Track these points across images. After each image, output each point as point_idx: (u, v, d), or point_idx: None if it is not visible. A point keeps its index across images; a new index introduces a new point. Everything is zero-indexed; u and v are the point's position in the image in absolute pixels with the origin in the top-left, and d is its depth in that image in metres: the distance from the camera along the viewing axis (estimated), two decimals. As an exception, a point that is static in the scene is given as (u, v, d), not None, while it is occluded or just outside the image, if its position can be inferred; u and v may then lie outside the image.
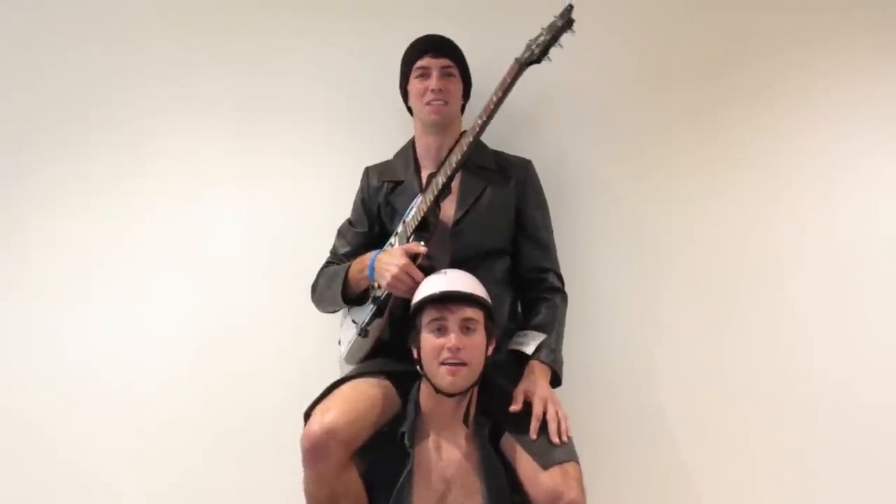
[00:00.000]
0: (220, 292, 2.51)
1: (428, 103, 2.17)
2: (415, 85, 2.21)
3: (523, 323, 2.17)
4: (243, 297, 2.50)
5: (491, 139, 2.29)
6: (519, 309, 2.22)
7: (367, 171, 2.33)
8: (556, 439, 1.87)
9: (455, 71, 2.20)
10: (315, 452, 1.85)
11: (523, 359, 2.06)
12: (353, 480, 1.93)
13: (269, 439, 2.38)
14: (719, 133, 2.46)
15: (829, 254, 2.41)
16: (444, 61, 2.18)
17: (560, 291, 2.20)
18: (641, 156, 2.47)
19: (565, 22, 1.97)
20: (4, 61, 2.64)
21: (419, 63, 2.20)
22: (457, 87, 2.21)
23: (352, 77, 2.52)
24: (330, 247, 2.32)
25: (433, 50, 2.19)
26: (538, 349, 2.06)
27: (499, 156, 2.27)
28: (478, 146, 2.22)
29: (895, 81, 2.46)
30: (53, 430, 2.50)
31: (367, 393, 1.97)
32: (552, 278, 2.20)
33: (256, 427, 2.41)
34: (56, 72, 2.62)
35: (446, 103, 2.17)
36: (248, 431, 2.42)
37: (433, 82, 2.16)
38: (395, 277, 1.98)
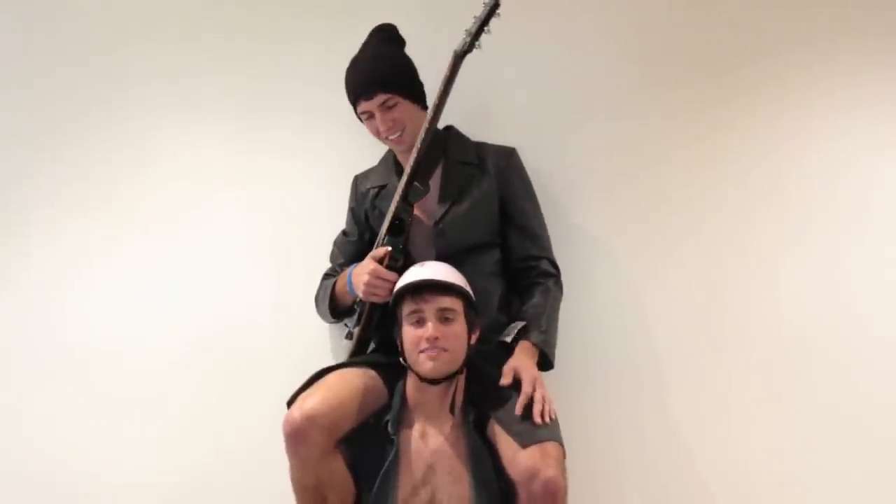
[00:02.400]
0: (219, 291, 2.51)
1: (386, 138, 2.16)
2: (367, 125, 2.18)
3: (516, 313, 2.15)
4: (243, 295, 2.50)
5: (489, 135, 2.30)
6: (510, 300, 2.19)
7: (356, 179, 2.35)
8: (538, 420, 1.85)
9: (395, 99, 2.10)
10: (296, 437, 1.85)
11: (510, 348, 2.04)
12: (339, 469, 1.92)
13: (269, 436, 2.32)
14: (719, 131, 2.44)
15: (829, 253, 2.38)
16: (380, 98, 2.09)
17: (553, 276, 2.18)
18: (642, 154, 2.45)
19: (491, 7, 1.96)
20: (4, 61, 2.68)
21: (359, 109, 2.16)
22: (404, 111, 2.12)
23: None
24: (329, 248, 2.34)
25: (363, 94, 2.11)
26: (525, 331, 2.05)
27: (480, 147, 2.24)
28: (459, 140, 2.23)
29: (894, 82, 2.43)
30: (53, 428, 2.51)
31: (352, 382, 1.97)
32: (545, 265, 2.18)
33: (256, 425, 2.39)
34: (56, 72, 2.65)
35: (402, 130, 2.13)
36: (248, 430, 2.42)
37: (379, 123, 2.12)
38: (367, 285, 2.00)
